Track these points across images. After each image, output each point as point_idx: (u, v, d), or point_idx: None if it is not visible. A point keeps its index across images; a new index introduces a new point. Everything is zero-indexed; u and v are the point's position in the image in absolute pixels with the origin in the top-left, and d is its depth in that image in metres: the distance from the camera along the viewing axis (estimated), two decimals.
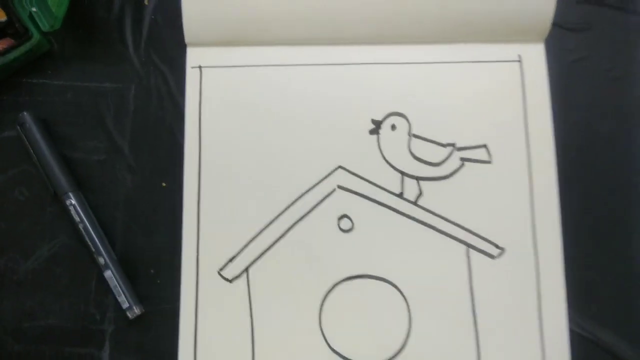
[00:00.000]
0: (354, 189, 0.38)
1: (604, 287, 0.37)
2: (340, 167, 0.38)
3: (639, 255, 0.37)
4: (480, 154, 0.38)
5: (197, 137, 0.39)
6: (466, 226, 0.37)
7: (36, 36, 0.39)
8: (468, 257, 0.37)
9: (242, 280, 0.37)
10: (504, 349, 0.36)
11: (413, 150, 0.38)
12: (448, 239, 0.37)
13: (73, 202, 0.38)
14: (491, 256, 0.37)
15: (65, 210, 0.38)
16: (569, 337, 0.36)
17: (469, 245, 0.37)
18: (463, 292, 0.36)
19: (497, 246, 0.37)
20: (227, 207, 0.38)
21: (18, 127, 0.39)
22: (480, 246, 0.37)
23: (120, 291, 0.37)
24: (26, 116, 0.39)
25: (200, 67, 0.40)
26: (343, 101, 0.39)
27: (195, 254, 0.37)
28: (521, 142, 0.38)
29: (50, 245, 0.38)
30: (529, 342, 0.36)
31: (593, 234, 0.38)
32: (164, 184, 0.39)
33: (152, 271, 0.38)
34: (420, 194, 0.37)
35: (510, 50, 0.39)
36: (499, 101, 0.38)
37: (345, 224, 0.38)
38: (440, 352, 0.36)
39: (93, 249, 0.37)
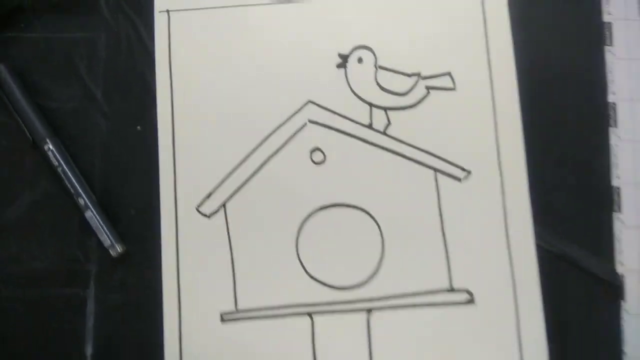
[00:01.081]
0: (324, 122, 0.38)
1: (568, 203, 0.38)
2: (310, 101, 0.38)
3: (602, 171, 0.38)
4: (445, 81, 0.38)
5: (169, 80, 0.39)
6: (433, 152, 0.38)
7: None
8: (436, 181, 0.37)
9: (220, 216, 0.38)
10: (473, 267, 0.37)
11: (380, 82, 0.38)
12: (416, 165, 0.38)
13: (51, 147, 0.38)
14: (458, 179, 0.37)
15: (44, 157, 0.38)
16: (536, 253, 0.37)
17: (436, 170, 0.38)
18: (432, 215, 0.37)
19: (463, 169, 0.37)
20: (202, 146, 0.38)
21: None
22: (447, 170, 0.37)
23: (102, 230, 0.37)
24: (1, 68, 0.39)
25: (167, 11, 0.40)
26: (310, 37, 0.39)
27: (173, 193, 0.38)
28: (484, 69, 0.38)
29: (32, 192, 0.39)
30: (497, 259, 0.37)
31: (557, 152, 0.38)
32: (138, 128, 0.39)
33: (132, 212, 0.38)
34: (388, 123, 0.38)
35: None
36: (461, 29, 0.39)
37: (317, 156, 0.38)
38: (412, 272, 0.37)
39: (73, 191, 0.38)
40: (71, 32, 0.41)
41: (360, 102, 0.38)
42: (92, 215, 0.37)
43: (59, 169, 0.38)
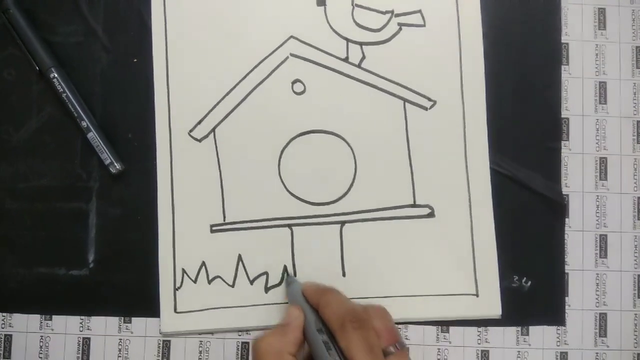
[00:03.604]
0: (304, 55, 0.41)
1: (522, 132, 0.41)
2: (292, 37, 0.41)
3: (553, 104, 0.41)
4: (415, 18, 0.41)
5: (163, 16, 0.41)
6: (403, 83, 0.40)
7: None
8: (405, 109, 0.40)
9: (210, 140, 0.40)
10: (435, 185, 0.40)
11: (356, 19, 0.41)
12: (387, 95, 0.40)
13: (56, 75, 0.40)
14: (424, 108, 0.40)
15: (49, 85, 0.41)
16: (490, 175, 0.40)
17: (405, 100, 0.40)
18: (400, 140, 0.40)
19: (429, 99, 0.40)
20: (193, 76, 0.41)
21: (2, 14, 0.41)
22: (415, 100, 0.40)
23: (103, 149, 0.40)
24: (10, 4, 0.41)
25: None
26: None
27: (167, 118, 0.40)
28: (452, 7, 0.41)
29: (39, 117, 0.41)
30: (456, 179, 0.40)
31: (514, 86, 0.41)
32: (135, 60, 0.41)
33: (129, 136, 0.41)
34: (363, 57, 0.40)
35: None
36: None
37: (298, 87, 0.41)
38: (381, 190, 0.40)
39: (76, 115, 0.40)
40: None
41: (338, 37, 0.41)
42: (93, 136, 0.40)
43: (63, 95, 0.40)
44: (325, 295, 0.34)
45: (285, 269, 0.39)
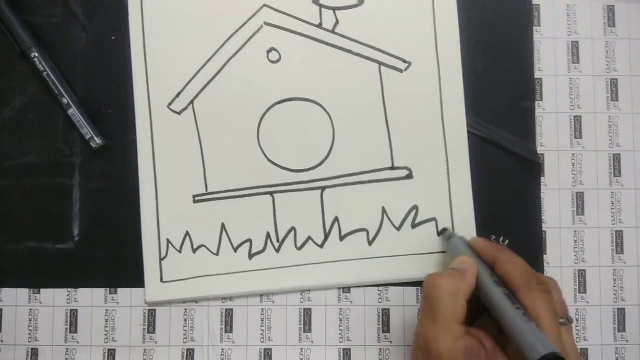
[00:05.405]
0: (278, 24, 0.40)
1: (497, 93, 0.40)
2: (265, 5, 0.40)
3: (526, 65, 0.41)
4: None
5: None
6: (377, 46, 0.40)
7: None
8: (380, 73, 0.40)
9: (189, 112, 0.40)
10: (413, 148, 0.40)
11: None
12: (362, 59, 0.40)
13: (36, 54, 0.40)
14: (399, 70, 0.40)
15: (31, 65, 0.40)
16: (466, 136, 0.40)
17: (380, 63, 0.40)
18: (377, 103, 0.40)
19: (404, 61, 0.40)
20: (169, 50, 0.40)
21: None
22: (390, 62, 0.40)
23: (83, 124, 0.39)
24: None
25: None
26: None
27: (146, 92, 0.40)
28: None
29: (22, 97, 0.41)
30: (433, 141, 0.40)
31: (488, 48, 0.41)
32: (113, 38, 0.41)
33: (109, 111, 0.41)
34: (336, 22, 0.40)
35: None
36: None
37: (273, 55, 0.40)
38: (359, 154, 0.40)
39: (57, 92, 0.40)
40: None
41: (311, 3, 0.40)
42: (74, 112, 0.40)
43: (44, 74, 0.40)
44: (504, 253, 0.34)
45: (443, 230, 0.39)
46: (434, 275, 0.33)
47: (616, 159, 0.40)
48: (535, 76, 0.40)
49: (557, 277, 0.39)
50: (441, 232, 0.39)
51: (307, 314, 0.39)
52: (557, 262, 0.40)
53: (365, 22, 0.40)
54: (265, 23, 0.40)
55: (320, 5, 0.40)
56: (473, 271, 0.33)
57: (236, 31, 0.40)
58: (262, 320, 0.39)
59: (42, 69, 0.40)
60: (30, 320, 0.39)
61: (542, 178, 0.40)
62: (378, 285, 0.39)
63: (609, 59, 0.41)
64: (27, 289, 0.40)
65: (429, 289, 0.32)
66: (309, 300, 0.39)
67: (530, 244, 0.40)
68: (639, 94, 0.41)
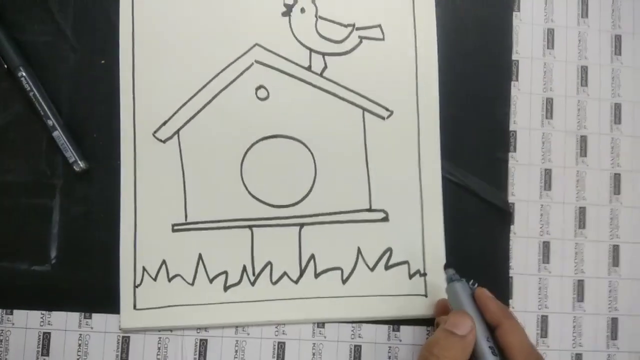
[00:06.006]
0: (269, 63, 0.41)
1: (472, 143, 0.42)
2: (257, 44, 0.41)
3: (502, 118, 0.42)
4: (375, 32, 0.41)
5: (131, 20, 0.41)
6: (362, 93, 0.41)
7: None
8: (363, 118, 0.41)
9: (174, 141, 0.40)
10: (390, 191, 0.41)
11: (319, 30, 0.41)
12: (347, 104, 0.41)
13: (24, 74, 0.40)
14: (382, 117, 0.41)
15: (17, 83, 0.40)
16: (442, 182, 0.41)
17: (364, 109, 0.41)
18: (358, 147, 0.41)
19: (387, 109, 0.41)
20: (159, 79, 0.41)
21: None
22: (373, 109, 0.41)
23: (67, 148, 0.39)
24: None
25: None
26: None
27: (132, 119, 0.40)
28: (409, 23, 0.41)
29: (5, 114, 0.41)
30: (410, 186, 0.41)
31: (466, 100, 0.42)
32: (102, 61, 0.41)
33: (94, 135, 0.41)
34: (325, 67, 0.41)
35: None
36: None
37: (262, 93, 0.41)
38: (339, 195, 0.41)
39: (42, 113, 0.40)
40: None
41: (302, 47, 0.41)
42: (59, 135, 0.40)
43: (31, 94, 0.40)
44: (509, 320, 0.34)
45: (445, 265, 0.38)
46: (435, 346, 0.32)
47: (582, 212, 0.42)
48: (511, 129, 0.42)
49: (521, 321, 0.41)
50: (445, 269, 0.38)
51: (281, 348, 0.40)
52: (522, 307, 0.42)
53: (352, 70, 0.41)
54: (257, 61, 0.41)
55: (311, 50, 0.41)
56: (472, 338, 0.33)
57: (227, 66, 0.41)
58: (236, 351, 0.40)
59: (28, 88, 0.40)
60: (1, 341, 0.39)
61: (512, 226, 0.42)
62: (352, 322, 0.40)
63: (580, 117, 0.43)
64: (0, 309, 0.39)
65: (429, 357, 0.32)
66: (283, 333, 0.40)
67: (497, 288, 0.41)
68: (606, 151, 0.43)
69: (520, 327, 0.34)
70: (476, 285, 0.38)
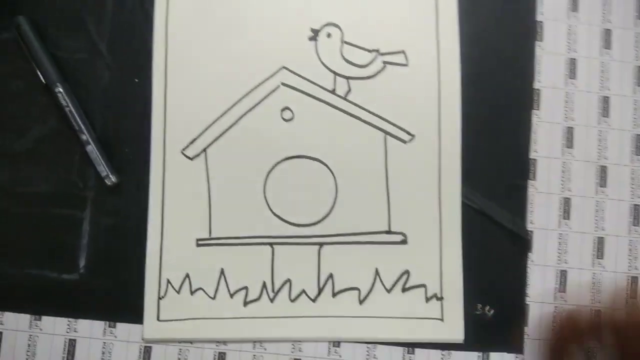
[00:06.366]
0: (294, 85, 0.42)
1: (493, 170, 0.42)
2: (284, 67, 0.42)
3: (523, 145, 0.43)
4: (399, 58, 0.42)
5: (164, 40, 0.42)
6: (385, 117, 0.42)
7: None
8: (385, 141, 0.42)
9: (201, 159, 0.42)
10: (409, 214, 0.41)
11: (345, 55, 0.42)
12: (370, 127, 0.42)
13: (61, 90, 0.42)
14: (403, 141, 0.42)
15: (54, 98, 0.42)
16: (461, 207, 0.42)
17: (386, 132, 0.42)
18: (379, 169, 0.42)
19: (408, 133, 0.42)
20: (190, 99, 0.42)
21: (15, 30, 0.42)
22: (395, 133, 0.42)
23: (100, 162, 0.41)
24: (22, 20, 0.42)
25: None
26: (287, 13, 0.43)
27: (162, 136, 0.42)
28: (433, 50, 0.42)
29: (42, 127, 0.42)
30: (429, 209, 0.41)
31: (488, 126, 0.43)
32: (136, 80, 0.43)
33: (126, 150, 0.42)
34: (349, 90, 0.42)
35: None
36: (415, 15, 0.43)
37: (287, 114, 0.42)
38: (359, 216, 0.41)
39: (77, 128, 0.41)
40: None
41: (327, 70, 0.42)
42: (92, 149, 0.41)
43: (67, 109, 0.42)
44: None
45: None
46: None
47: (600, 243, 0.42)
48: (531, 157, 0.43)
49: (535, 349, 0.41)
50: None
51: None
52: (538, 334, 0.42)
53: (375, 94, 0.42)
54: (283, 83, 0.42)
55: (336, 74, 0.42)
56: None
57: (255, 88, 0.42)
58: None
59: (64, 104, 0.42)
60: (29, 346, 0.40)
61: (529, 254, 0.42)
62: (367, 343, 0.41)
63: (601, 147, 0.43)
64: (29, 315, 0.41)
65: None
66: (300, 351, 0.41)
67: (513, 315, 0.41)
68: (626, 181, 0.43)
69: None
70: (492, 311, 0.39)
